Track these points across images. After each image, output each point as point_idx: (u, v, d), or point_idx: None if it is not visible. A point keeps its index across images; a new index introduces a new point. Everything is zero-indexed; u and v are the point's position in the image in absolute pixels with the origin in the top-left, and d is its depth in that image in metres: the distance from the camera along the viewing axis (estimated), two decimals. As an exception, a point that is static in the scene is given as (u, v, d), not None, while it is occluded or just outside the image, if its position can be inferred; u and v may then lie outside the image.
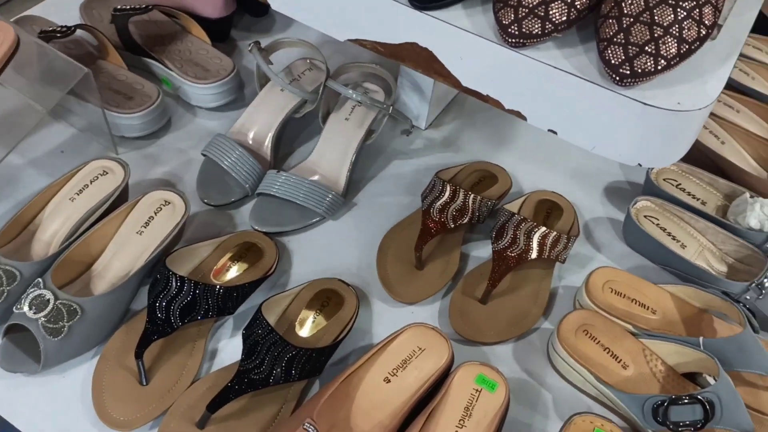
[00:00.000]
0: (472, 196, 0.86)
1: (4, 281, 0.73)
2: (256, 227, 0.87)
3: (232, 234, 0.84)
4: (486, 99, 0.67)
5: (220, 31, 1.09)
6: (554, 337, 0.78)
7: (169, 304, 0.73)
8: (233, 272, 0.82)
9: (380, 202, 0.94)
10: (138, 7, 1.00)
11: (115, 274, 0.78)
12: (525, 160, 1.02)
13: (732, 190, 0.95)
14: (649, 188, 0.95)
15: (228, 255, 0.83)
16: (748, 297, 0.83)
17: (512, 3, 0.62)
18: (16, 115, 0.80)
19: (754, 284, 0.83)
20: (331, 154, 0.93)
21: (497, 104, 0.67)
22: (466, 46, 0.64)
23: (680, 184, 0.97)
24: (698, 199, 0.96)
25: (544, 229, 0.83)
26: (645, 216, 0.92)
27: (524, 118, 0.66)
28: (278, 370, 0.70)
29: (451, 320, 0.81)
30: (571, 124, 0.64)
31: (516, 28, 0.61)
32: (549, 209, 0.93)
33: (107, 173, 0.84)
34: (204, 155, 0.92)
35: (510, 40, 0.61)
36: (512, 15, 0.61)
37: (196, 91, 0.99)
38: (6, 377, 0.72)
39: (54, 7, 1.11)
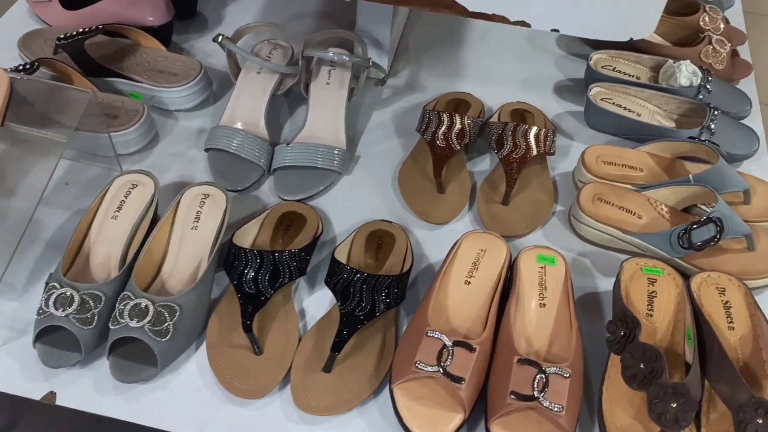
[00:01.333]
0: (466, 118, 0.97)
1: (92, 305, 0.75)
2: (286, 198, 0.93)
3: (270, 209, 0.89)
4: (492, 18, 0.77)
5: (162, 38, 1.11)
6: (576, 211, 0.91)
7: (256, 277, 0.78)
8: (288, 241, 0.88)
9: (379, 149, 1.02)
10: (88, 30, 1.00)
11: (186, 270, 0.82)
12: (480, 84, 1.13)
13: (655, 62, 1.12)
14: (592, 77, 1.10)
15: (274, 227, 0.88)
16: (702, 138, 1.00)
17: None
18: (37, 152, 0.80)
19: (704, 128, 1.00)
20: (323, 118, 1.00)
21: (502, 20, 0.77)
22: (468, -26, 0.74)
23: (615, 67, 1.12)
24: (632, 76, 1.12)
25: (535, 128, 0.96)
26: (601, 99, 1.06)
27: (528, 26, 0.77)
28: (380, 297, 0.77)
29: (486, 224, 0.92)
30: (571, 19, 0.76)
31: (514, -53, 0.71)
32: (521, 116, 1.06)
33: (137, 185, 0.86)
34: (208, 149, 0.96)
35: (510, -42, 0.72)
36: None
37: (173, 95, 1.02)
38: (125, 390, 0.74)
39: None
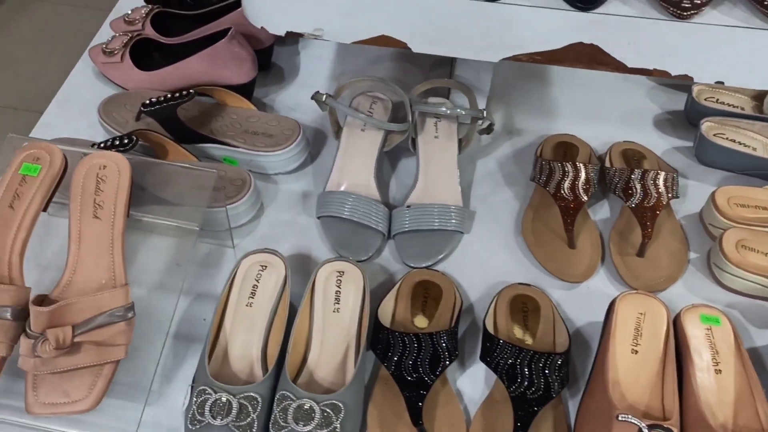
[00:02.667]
0: (589, 166, 0.92)
1: (250, 410, 0.69)
2: (413, 265, 0.88)
3: (402, 280, 0.84)
4: (651, 73, 0.73)
5: (245, 95, 1.05)
6: (720, 260, 0.87)
7: (416, 364, 0.73)
8: (429, 314, 0.82)
9: (493, 202, 0.98)
10: (179, 95, 0.94)
11: (334, 358, 0.76)
12: (576, 122, 1.08)
13: (756, 92, 1.09)
14: (695, 110, 1.06)
15: (411, 300, 0.83)
16: (827, 171, 0.97)
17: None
18: (173, 242, 0.74)
19: (826, 159, 0.97)
20: (436, 174, 0.94)
21: (663, 74, 0.73)
22: (634, 30, 0.69)
23: (718, 99, 1.09)
24: (736, 107, 1.08)
25: (663, 173, 0.92)
26: (714, 135, 1.03)
27: (691, 79, 0.73)
28: (554, 378, 0.72)
29: (626, 280, 0.87)
30: (739, 71, 0.71)
31: (689, 0, 0.67)
32: (635, 158, 1.01)
33: (266, 267, 0.81)
34: (320, 217, 0.91)
35: (683, 13, 0.67)
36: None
37: (273, 160, 0.96)
38: (294, 501, 0.69)
39: (61, 122, 1.03)
